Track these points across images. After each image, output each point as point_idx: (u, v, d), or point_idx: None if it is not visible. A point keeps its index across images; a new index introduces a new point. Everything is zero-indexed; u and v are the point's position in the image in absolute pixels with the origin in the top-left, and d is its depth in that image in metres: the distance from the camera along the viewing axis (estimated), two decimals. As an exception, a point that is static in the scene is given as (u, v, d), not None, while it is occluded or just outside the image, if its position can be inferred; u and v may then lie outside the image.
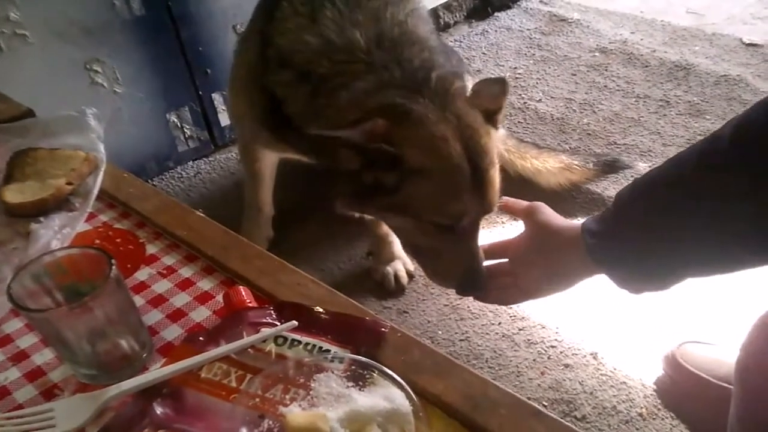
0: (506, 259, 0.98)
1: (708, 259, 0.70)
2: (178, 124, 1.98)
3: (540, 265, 0.88)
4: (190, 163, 2.04)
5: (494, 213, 1.05)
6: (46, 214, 0.86)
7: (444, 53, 1.16)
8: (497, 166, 1.03)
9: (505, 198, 1.02)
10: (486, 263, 1.03)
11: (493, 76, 1.10)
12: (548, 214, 0.88)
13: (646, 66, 2.31)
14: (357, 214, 1.17)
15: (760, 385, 0.76)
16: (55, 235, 0.82)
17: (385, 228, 1.53)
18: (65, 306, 0.58)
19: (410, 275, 1.58)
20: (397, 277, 1.56)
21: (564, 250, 0.82)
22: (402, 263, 1.57)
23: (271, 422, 0.56)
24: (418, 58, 1.06)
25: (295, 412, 0.55)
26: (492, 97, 1.05)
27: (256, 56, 1.20)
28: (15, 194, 0.88)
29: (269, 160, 1.50)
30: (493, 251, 1.02)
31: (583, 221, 0.81)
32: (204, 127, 2.04)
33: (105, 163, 0.92)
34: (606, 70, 2.31)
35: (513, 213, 0.99)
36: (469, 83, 1.71)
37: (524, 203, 0.93)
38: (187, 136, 2.02)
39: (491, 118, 1.05)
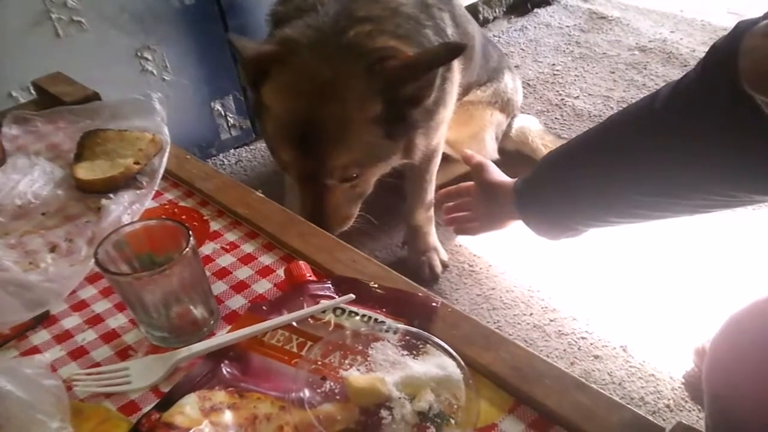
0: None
1: (605, 213, 0.91)
2: (222, 112, 2.04)
3: (485, 209, 1.12)
4: (232, 150, 2.11)
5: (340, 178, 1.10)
6: (115, 191, 0.92)
7: (413, 19, 1.14)
8: (344, 137, 1.03)
9: (465, 150, 1.20)
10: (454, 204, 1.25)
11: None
12: (492, 172, 1.11)
13: (685, 65, 2.31)
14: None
15: (723, 386, 0.77)
16: (125, 211, 0.87)
17: (419, 219, 1.58)
18: (147, 272, 0.63)
19: (444, 265, 1.62)
20: (431, 266, 1.59)
21: (501, 201, 1.05)
22: (436, 253, 1.61)
23: (332, 384, 0.61)
24: (364, 10, 1.06)
25: (355, 375, 0.60)
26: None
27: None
28: (86, 171, 0.94)
29: None
30: (462, 191, 1.22)
31: (515, 180, 1.04)
32: (246, 116, 2.09)
33: (170, 145, 0.97)
34: (645, 68, 2.32)
35: (467, 164, 1.16)
36: (510, 79, 1.76)
37: (477, 159, 1.15)
38: (230, 124, 2.08)
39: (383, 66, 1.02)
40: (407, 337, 0.64)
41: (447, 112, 1.36)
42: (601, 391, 0.59)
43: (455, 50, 1.02)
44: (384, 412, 0.58)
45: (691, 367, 1.29)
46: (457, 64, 1.35)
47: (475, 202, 1.16)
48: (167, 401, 0.62)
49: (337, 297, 0.71)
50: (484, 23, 2.68)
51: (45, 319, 0.75)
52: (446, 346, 0.63)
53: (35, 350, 0.71)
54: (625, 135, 0.85)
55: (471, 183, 1.19)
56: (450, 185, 1.30)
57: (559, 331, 1.43)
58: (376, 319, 0.68)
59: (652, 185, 0.83)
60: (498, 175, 1.10)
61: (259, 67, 1.05)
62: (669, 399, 1.26)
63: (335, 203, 1.12)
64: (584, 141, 0.93)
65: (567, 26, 2.64)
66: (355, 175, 1.10)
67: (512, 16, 2.78)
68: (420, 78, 1.01)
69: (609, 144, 0.88)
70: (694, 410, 1.24)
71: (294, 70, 1.02)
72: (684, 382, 1.28)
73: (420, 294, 0.71)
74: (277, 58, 1.04)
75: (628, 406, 0.58)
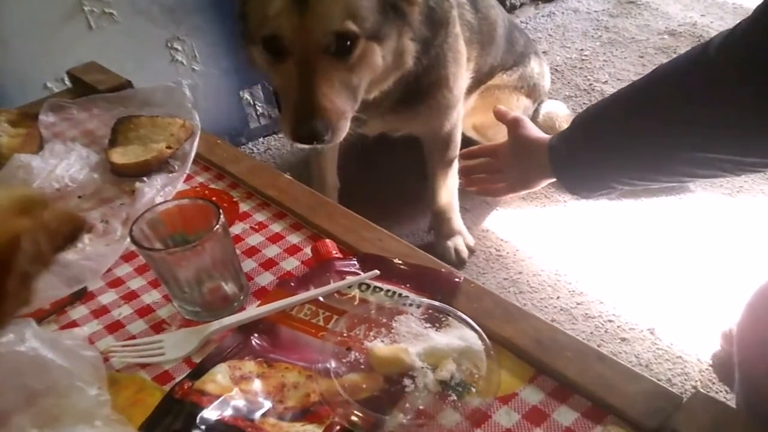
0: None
1: (640, 170, 0.88)
2: (251, 101, 2.07)
3: (518, 167, 1.08)
4: (261, 139, 2.14)
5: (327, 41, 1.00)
6: (148, 175, 0.95)
7: None
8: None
9: (497, 106, 1.16)
10: (480, 161, 1.20)
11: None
12: (528, 128, 1.07)
13: (716, 49, 2.28)
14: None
15: (756, 372, 0.76)
16: (158, 193, 0.90)
17: (443, 204, 1.59)
18: (181, 247, 0.66)
19: (471, 250, 1.63)
20: (457, 251, 1.61)
21: (535, 159, 1.01)
22: (462, 238, 1.63)
23: (357, 354, 0.63)
24: None
25: (379, 345, 0.62)
26: None
27: None
28: (120, 156, 0.97)
29: None
30: (487, 151, 1.19)
31: (551, 137, 1.00)
32: (275, 104, 2.12)
33: (200, 129, 1.00)
34: (674, 52, 2.29)
35: (501, 120, 1.12)
36: (536, 63, 1.76)
37: (512, 114, 1.11)
38: (258, 113, 2.11)
39: None
40: (430, 311, 0.66)
41: (453, 95, 1.37)
42: (621, 362, 0.60)
43: None
44: (407, 381, 0.60)
45: (719, 349, 1.29)
46: (463, 47, 1.36)
47: (506, 161, 1.11)
48: (199, 370, 0.65)
49: (362, 273, 0.73)
50: (511, 9, 2.67)
51: (83, 296, 0.78)
52: (468, 319, 0.64)
53: (74, 324, 0.74)
54: (678, 87, 0.79)
55: (497, 143, 1.16)
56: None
57: (586, 314, 1.44)
58: (400, 294, 0.69)
59: (711, 142, 0.76)
60: (535, 130, 1.06)
61: None
62: (696, 381, 1.26)
63: (328, 83, 1.01)
64: (630, 94, 0.87)
65: (595, 11, 2.62)
66: (348, 42, 1.01)
67: (540, 2, 2.76)
68: None
69: (659, 97, 0.82)
70: (721, 391, 1.24)
71: None
72: (712, 364, 1.28)
73: (443, 270, 0.73)
74: None
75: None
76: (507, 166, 1.11)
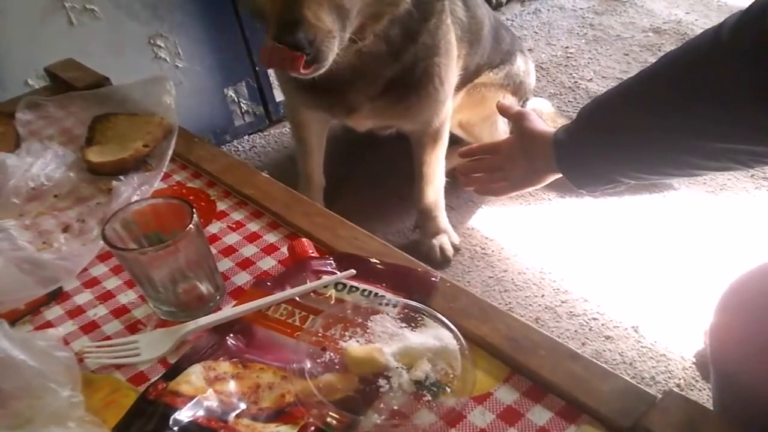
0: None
1: (649, 162, 0.85)
2: (235, 98, 2.06)
3: (522, 163, 1.03)
4: (246, 137, 2.13)
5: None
6: (125, 173, 0.94)
7: None
8: None
9: (500, 101, 1.12)
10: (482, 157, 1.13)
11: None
12: (533, 120, 1.02)
13: (700, 47, 2.28)
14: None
15: (730, 369, 0.76)
16: (135, 192, 0.89)
17: (429, 202, 1.59)
18: (154, 247, 0.65)
19: (456, 248, 1.62)
20: (442, 249, 1.60)
21: (540, 154, 0.97)
22: (447, 237, 1.62)
23: (332, 354, 0.62)
24: None
25: (354, 345, 0.62)
26: None
27: None
28: (97, 155, 0.96)
29: (315, 126, 1.54)
30: (488, 148, 1.13)
31: (556, 130, 0.96)
32: (260, 102, 2.11)
33: (178, 127, 0.99)
34: (659, 50, 2.29)
35: (504, 114, 1.10)
36: (522, 61, 1.76)
37: (516, 108, 1.07)
38: (243, 110, 2.09)
39: None
40: (406, 310, 0.66)
41: (444, 88, 1.36)
42: (594, 360, 0.60)
43: None
44: (382, 381, 0.59)
45: (702, 347, 1.29)
46: (454, 40, 1.36)
47: (510, 156, 1.05)
48: (174, 371, 0.64)
49: (338, 272, 0.72)
50: (497, 7, 2.66)
51: (58, 296, 0.77)
52: (443, 319, 0.64)
53: (49, 325, 0.73)
54: (691, 74, 0.76)
55: (497, 141, 1.12)
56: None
57: (571, 312, 1.43)
58: (376, 294, 0.69)
59: (723, 131, 0.73)
60: (541, 124, 1.02)
61: None
62: (680, 379, 1.27)
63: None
64: (637, 84, 0.84)
65: (581, 8, 2.62)
66: None
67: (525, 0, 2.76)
68: None
69: (672, 85, 0.78)
70: (704, 389, 1.24)
71: None
72: (695, 362, 1.28)
73: (419, 269, 0.73)
74: None
75: (636, 382, 0.59)
76: (510, 163, 1.06)
